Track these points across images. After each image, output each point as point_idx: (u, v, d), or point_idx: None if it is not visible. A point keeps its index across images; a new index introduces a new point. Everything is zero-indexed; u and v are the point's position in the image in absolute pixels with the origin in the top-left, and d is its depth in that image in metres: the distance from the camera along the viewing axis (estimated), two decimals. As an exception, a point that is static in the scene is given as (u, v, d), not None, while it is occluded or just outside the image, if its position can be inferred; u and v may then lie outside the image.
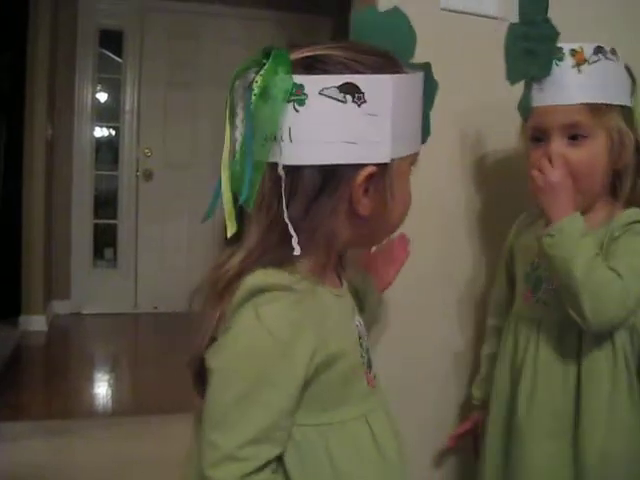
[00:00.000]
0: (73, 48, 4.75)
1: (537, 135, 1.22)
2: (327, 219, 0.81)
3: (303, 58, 0.80)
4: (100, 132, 5.10)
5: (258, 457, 0.77)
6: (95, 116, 4.95)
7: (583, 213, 1.17)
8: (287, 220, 0.78)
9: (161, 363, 3.51)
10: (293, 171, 0.79)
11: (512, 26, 1.22)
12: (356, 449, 0.85)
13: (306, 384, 0.80)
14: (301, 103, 0.77)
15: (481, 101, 1.47)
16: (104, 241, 5.07)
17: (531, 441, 1.23)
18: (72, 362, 3.87)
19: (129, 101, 4.98)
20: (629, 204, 1.23)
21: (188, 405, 0.89)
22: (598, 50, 1.17)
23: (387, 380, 1.00)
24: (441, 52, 1.40)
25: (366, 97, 0.78)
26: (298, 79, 0.77)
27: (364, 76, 0.79)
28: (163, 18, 4.88)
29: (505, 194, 1.50)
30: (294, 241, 0.78)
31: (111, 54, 5.02)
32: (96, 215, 4.98)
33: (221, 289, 0.81)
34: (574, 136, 1.18)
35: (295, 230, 0.78)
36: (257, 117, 0.77)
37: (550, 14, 1.19)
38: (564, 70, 1.18)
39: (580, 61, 1.17)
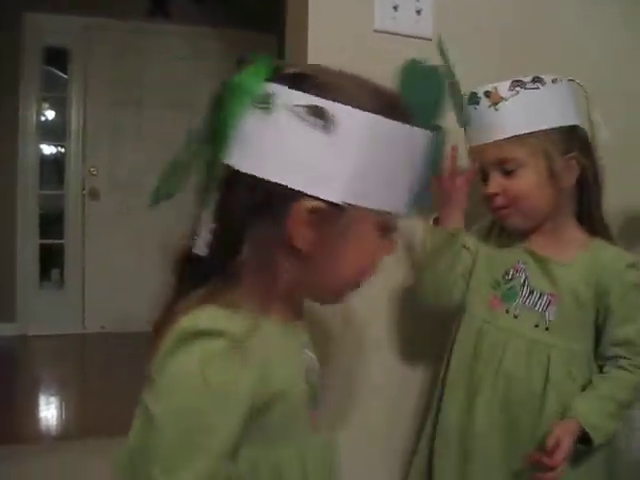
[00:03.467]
0: (16, 66, 4.66)
1: (481, 176, 1.29)
2: (262, 240, 0.76)
3: (291, 73, 0.77)
4: (46, 150, 5.02)
5: None
6: (40, 135, 4.86)
7: (534, 230, 1.28)
8: (205, 205, 0.77)
9: (109, 384, 3.45)
10: (234, 175, 0.76)
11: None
12: None
13: (244, 425, 0.75)
14: (267, 112, 0.74)
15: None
16: (50, 261, 4.97)
17: (488, 458, 1.24)
18: (18, 385, 3.78)
19: (75, 119, 4.90)
20: (591, 226, 1.30)
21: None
22: (515, 84, 1.21)
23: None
24: (373, 74, 1.43)
25: (336, 127, 0.73)
26: (273, 88, 0.74)
27: (340, 105, 0.74)
28: (109, 36, 4.83)
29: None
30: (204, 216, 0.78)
31: (57, 71, 4.94)
32: (42, 235, 4.87)
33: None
34: (507, 169, 1.23)
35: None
36: (220, 113, 0.75)
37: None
38: (482, 112, 1.23)
39: (496, 100, 1.21)
